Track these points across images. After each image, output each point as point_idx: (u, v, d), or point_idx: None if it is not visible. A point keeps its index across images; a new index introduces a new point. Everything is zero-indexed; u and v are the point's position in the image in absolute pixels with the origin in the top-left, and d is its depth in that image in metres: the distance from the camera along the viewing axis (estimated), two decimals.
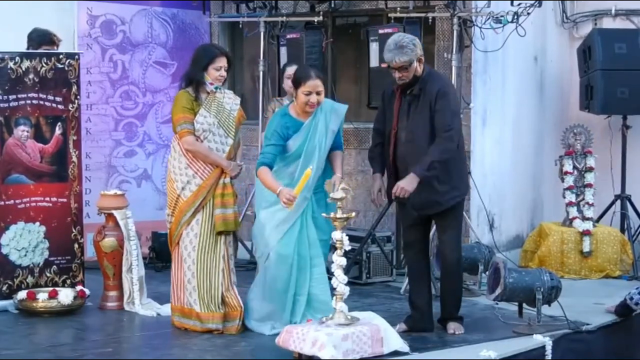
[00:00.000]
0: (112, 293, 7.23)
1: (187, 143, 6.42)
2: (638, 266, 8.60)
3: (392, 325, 6.01)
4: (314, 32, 8.87)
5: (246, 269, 8.35)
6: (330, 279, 5.93)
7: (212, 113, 6.49)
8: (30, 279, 7.19)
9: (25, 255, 7.19)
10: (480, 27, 8.13)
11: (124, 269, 7.18)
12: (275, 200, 6.09)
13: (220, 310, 6.41)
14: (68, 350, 6.05)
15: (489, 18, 8.03)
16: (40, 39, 7.96)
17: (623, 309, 6.89)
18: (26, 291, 7.00)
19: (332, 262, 5.83)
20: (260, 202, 6.38)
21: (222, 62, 6.51)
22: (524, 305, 6.60)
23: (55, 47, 7.93)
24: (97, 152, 8.98)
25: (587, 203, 8.80)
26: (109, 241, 7.22)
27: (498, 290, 6.53)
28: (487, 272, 7.10)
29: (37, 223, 7.23)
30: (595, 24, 9.50)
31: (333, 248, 5.96)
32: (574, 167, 8.90)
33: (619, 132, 9.09)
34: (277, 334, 5.92)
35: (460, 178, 6.43)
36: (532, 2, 8.11)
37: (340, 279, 5.76)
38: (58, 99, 7.30)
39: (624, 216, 8.92)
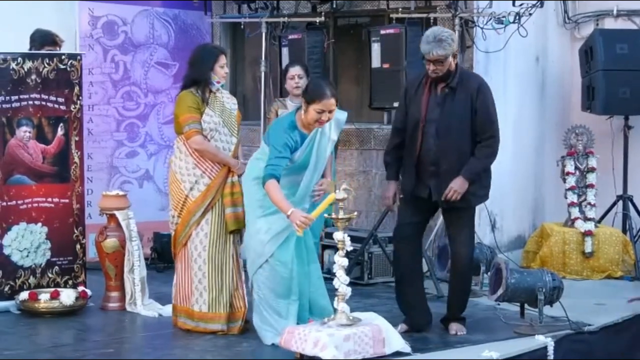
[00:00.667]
0: (114, 294, 7.23)
1: (195, 143, 6.41)
2: None
3: (393, 326, 6.01)
4: (315, 33, 8.86)
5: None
6: (331, 280, 5.92)
7: (216, 112, 6.50)
8: (32, 280, 7.19)
9: (27, 255, 7.19)
10: (481, 28, 8.14)
11: (126, 269, 7.18)
12: (275, 210, 6.01)
13: (227, 310, 6.41)
14: (70, 351, 6.05)
15: (490, 18, 8.04)
16: (43, 39, 7.96)
17: None
18: (28, 292, 7.00)
19: (334, 263, 5.83)
20: (255, 209, 6.19)
21: (224, 59, 6.56)
22: (526, 305, 6.60)
23: (58, 48, 7.93)
24: (99, 152, 8.98)
25: (589, 203, 8.80)
26: (110, 242, 7.22)
27: (500, 291, 6.53)
28: (488, 273, 7.10)
29: (39, 224, 7.23)
30: (597, 24, 9.50)
31: (335, 249, 5.96)
32: (576, 168, 8.90)
33: (621, 132, 9.08)
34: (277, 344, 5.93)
35: (488, 179, 6.57)
36: (534, 2, 8.12)
37: (342, 280, 5.76)
38: (60, 99, 7.30)
39: (625, 217, 8.91)
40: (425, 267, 8.07)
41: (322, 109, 6.01)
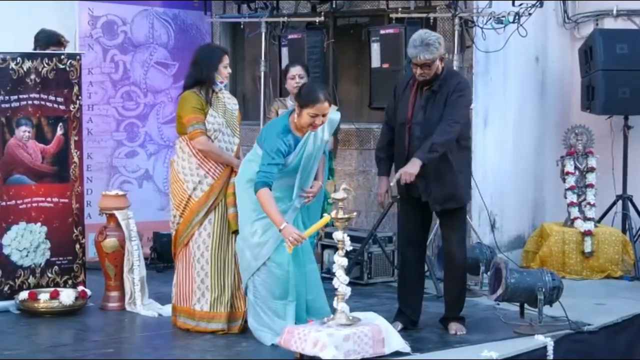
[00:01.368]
0: (114, 293, 7.23)
1: (200, 143, 6.41)
2: (639, 267, 8.59)
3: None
4: (315, 33, 8.86)
5: None
6: (331, 279, 5.92)
7: (219, 113, 6.51)
8: (31, 280, 7.19)
9: (27, 255, 7.19)
10: (481, 28, 8.13)
11: (126, 269, 7.18)
12: None
13: (228, 310, 6.42)
14: (69, 351, 6.05)
15: (490, 18, 8.04)
16: (48, 39, 7.97)
17: None
18: (27, 292, 7.00)
19: (333, 262, 5.83)
20: (249, 212, 6.16)
21: (227, 59, 6.57)
22: (526, 305, 6.60)
23: (63, 49, 7.94)
24: (98, 152, 8.98)
25: (589, 203, 8.80)
26: (110, 241, 7.22)
27: (499, 291, 6.53)
28: (488, 273, 7.09)
29: (39, 223, 7.23)
30: (597, 24, 9.50)
31: (334, 249, 5.96)
32: (576, 168, 8.90)
33: (621, 132, 9.08)
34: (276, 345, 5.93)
35: (469, 177, 6.58)
36: (534, 2, 8.11)
37: (341, 280, 5.76)
38: (59, 99, 7.30)
39: (625, 216, 8.91)
40: (425, 267, 8.09)
41: (316, 113, 5.99)
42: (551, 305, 6.55)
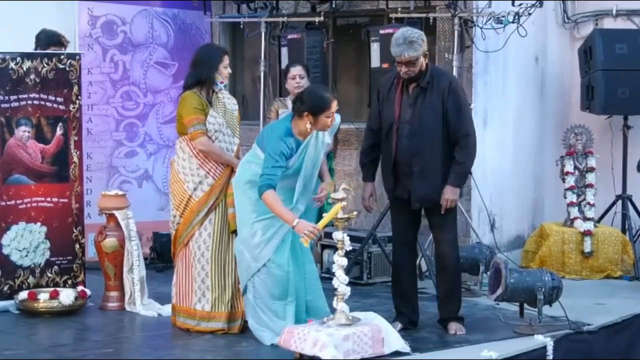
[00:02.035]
0: (113, 293, 7.23)
1: (201, 144, 6.41)
2: (639, 266, 8.59)
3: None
4: (315, 33, 8.86)
5: None
6: (330, 279, 5.92)
7: (220, 113, 6.51)
8: (31, 280, 7.19)
9: (27, 255, 7.19)
10: (481, 28, 8.14)
11: (125, 269, 7.18)
12: (271, 214, 5.98)
13: (228, 309, 6.42)
14: (69, 351, 6.05)
15: (490, 18, 8.04)
16: (49, 39, 7.97)
17: None
18: (27, 291, 7.00)
19: (333, 262, 5.83)
20: (248, 213, 6.14)
21: (227, 59, 6.58)
22: (525, 305, 6.60)
23: (64, 49, 7.94)
24: (98, 152, 8.98)
25: (588, 203, 8.81)
26: (110, 241, 7.22)
27: (499, 291, 6.53)
28: (488, 273, 7.10)
29: (38, 223, 7.23)
30: (596, 24, 9.50)
31: (334, 249, 5.96)
32: (575, 168, 8.90)
33: (620, 132, 9.09)
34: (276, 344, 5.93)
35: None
36: (533, 2, 8.12)
37: (341, 280, 5.76)
38: (59, 99, 7.30)
39: (625, 216, 8.92)
40: (424, 267, 8.10)
41: (331, 112, 6.06)
42: (551, 305, 6.55)
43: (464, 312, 6.62)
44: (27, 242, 7.18)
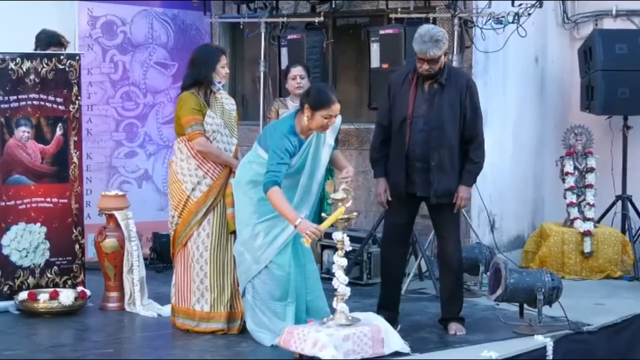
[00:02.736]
0: (113, 294, 7.23)
1: (199, 144, 6.41)
2: (639, 267, 8.59)
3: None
4: (314, 33, 8.86)
5: None
6: (330, 280, 5.92)
7: (217, 114, 6.51)
8: (31, 280, 7.19)
9: (26, 256, 7.19)
10: (481, 28, 8.14)
11: (125, 269, 7.18)
12: (272, 215, 6.00)
13: (227, 310, 6.42)
14: (69, 351, 6.05)
15: (489, 19, 8.04)
16: (49, 40, 7.97)
17: None
18: (27, 292, 7.00)
19: (333, 263, 5.83)
20: (250, 214, 6.13)
21: (225, 59, 6.58)
22: (525, 305, 6.60)
23: (64, 49, 7.94)
24: (97, 152, 8.98)
25: (588, 204, 8.81)
26: (109, 242, 7.22)
27: (499, 291, 6.53)
28: (487, 273, 7.10)
29: (38, 224, 7.23)
30: (596, 24, 9.50)
31: (334, 249, 5.96)
32: (575, 168, 8.90)
33: (620, 132, 9.09)
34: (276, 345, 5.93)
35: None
36: (533, 2, 8.12)
37: (341, 280, 5.76)
38: (59, 99, 7.30)
39: (624, 217, 8.92)
40: (424, 267, 8.10)
41: (330, 114, 6.01)
42: (550, 306, 6.55)
43: (464, 313, 6.62)
44: (26, 243, 7.18)
